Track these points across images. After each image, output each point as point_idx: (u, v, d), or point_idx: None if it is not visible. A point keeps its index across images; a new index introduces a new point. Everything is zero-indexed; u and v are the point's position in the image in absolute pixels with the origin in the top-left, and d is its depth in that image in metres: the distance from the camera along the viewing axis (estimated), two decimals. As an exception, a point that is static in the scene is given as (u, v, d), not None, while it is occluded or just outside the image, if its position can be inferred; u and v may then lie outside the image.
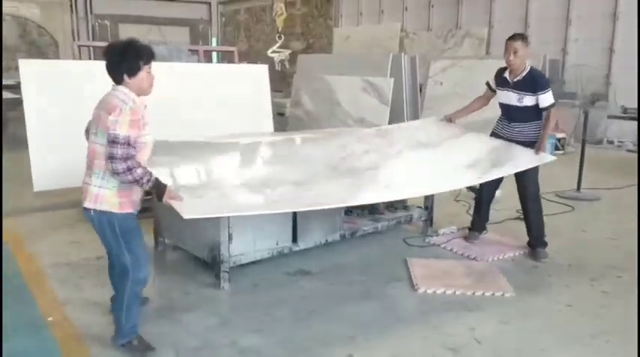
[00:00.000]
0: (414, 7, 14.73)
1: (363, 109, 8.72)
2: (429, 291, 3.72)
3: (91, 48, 14.76)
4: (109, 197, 2.67)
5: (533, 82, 4.16)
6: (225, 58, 18.78)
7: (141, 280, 2.84)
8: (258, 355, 2.92)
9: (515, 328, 3.26)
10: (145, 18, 19.48)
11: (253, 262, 3.93)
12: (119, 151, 2.55)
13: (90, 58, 16.33)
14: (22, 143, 5.29)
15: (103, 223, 2.70)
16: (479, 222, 4.72)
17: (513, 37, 4.21)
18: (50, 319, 3.25)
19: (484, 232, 4.78)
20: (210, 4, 21.52)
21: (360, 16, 16.28)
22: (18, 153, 6.23)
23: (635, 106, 10.37)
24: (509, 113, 4.33)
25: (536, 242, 4.37)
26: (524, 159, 4.16)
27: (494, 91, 4.45)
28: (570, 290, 3.81)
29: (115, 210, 2.68)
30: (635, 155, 9.03)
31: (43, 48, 17.85)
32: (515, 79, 4.22)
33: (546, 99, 4.16)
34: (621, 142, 10.21)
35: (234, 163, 3.74)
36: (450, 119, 4.66)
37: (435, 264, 4.20)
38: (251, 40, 20.02)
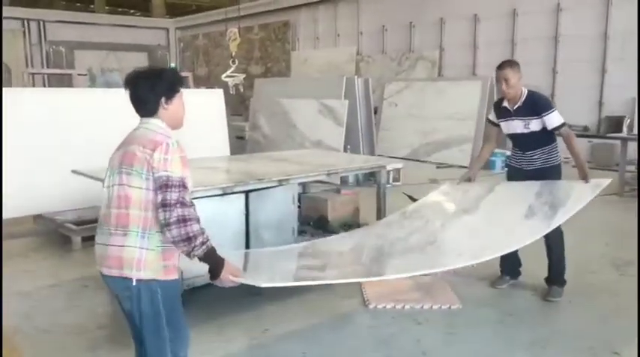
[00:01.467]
0: (368, 31, 15.12)
1: (319, 131, 8.91)
2: (380, 306, 3.83)
3: (45, 76, 14.59)
4: (152, 261, 2.12)
5: (535, 105, 3.89)
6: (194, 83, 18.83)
7: None
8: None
9: (459, 339, 3.40)
10: (101, 44, 19.38)
11: (209, 284, 3.97)
12: (174, 195, 2.04)
13: (44, 86, 16.15)
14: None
15: (145, 294, 2.13)
16: (507, 266, 4.24)
17: (501, 66, 3.88)
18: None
19: (514, 278, 4.29)
20: (168, 29, 21.59)
21: (317, 39, 16.61)
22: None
23: (579, 123, 10.89)
24: (520, 142, 4.06)
25: (554, 278, 4.07)
26: (581, 192, 3.69)
27: (498, 125, 4.13)
28: (512, 300, 3.99)
29: (160, 277, 2.14)
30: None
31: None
32: (515, 107, 3.93)
33: (553, 119, 3.86)
34: (567, 158, 10.64)
35: (281, 258, 3.35)
36: (468, 179, 4.27)
37: (386, 280, 4.31)
38: (210, 64, 20.12)
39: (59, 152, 5.53)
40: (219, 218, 3.84)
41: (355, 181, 8.51)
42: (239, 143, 10.90)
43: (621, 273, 4.53)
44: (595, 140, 10.54)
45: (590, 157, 10.43)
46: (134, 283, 2.10)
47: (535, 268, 4.16)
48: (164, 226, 2.04)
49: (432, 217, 3.96)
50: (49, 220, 5.57)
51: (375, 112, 13.16)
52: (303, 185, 5.83)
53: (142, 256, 2.10)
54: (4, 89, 5.20)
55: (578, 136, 10.63)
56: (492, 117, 4.19)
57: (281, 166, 4.68)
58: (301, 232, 4.79)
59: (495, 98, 10.59)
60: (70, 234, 5.14)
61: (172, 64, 21.28)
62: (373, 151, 9.11)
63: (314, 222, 4.89)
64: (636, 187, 7.52)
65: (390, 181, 8.54)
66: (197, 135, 6.47)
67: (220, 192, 3.83)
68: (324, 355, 3.18)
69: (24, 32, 18.38)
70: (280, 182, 4.16)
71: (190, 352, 3.13)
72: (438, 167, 10.41)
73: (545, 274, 4.10)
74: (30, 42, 18.52)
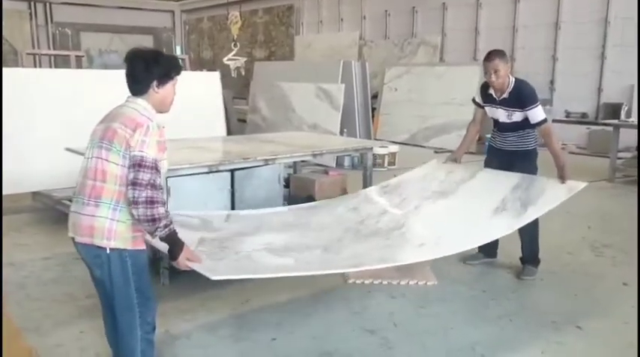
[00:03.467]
0: (371, 16, 15.12)
1: (316, 115, 9.02)
2: (358, 281, 3.98)
3: (52, 57, 14.71)
4: (122, 232, 2.22)
5: (520, 98, 3.91)
6: (192, 66, 18.94)
7: (150, 323, 2.42)
8: (188, 339, 3.13)
9: (430, 312, 3.54)
10: (107, 26, 19.45)
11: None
12: (145, 175, 2.15)
13: (50, 67, 16.31)
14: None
15: (115, 262, 2.25)
16: (484, 244, 4.16)
17: (489, 58, 3.89)
18: (-9, 313, 3.40)
19: (490, 257, 4.40)
20: (173, 12, 21.62)
21: (321, 24, 16.62)
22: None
23: (578, 110, 10.94)
24: (500, 126, 4.14)
25: (527, 258, 4.18)
26: (555, 192, 3.72)
27: (483, 107, 4.20)
28: (487, 278, 4.13)
29: (129, 246, 2.26)
30: (578, 157, 9.58)
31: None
32: (501, 97, 3.98)
33: (536, 115, 3.89)
34: (565, 144, 10.70)
35: (246, 231, 3.45)
36: (454, 159, 4.36)
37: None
38: (215, 48, 20.18)
39: (57, 131, 5.67)
40: (205, 194, 4.00)
41: (351, 164, 8.63)
42: (241, 126, 11.05)
43: (597, 255, 4.65)
44: (593, 127, 10.62)
45: (587, 143, 10.50)
46: (107, 252, 2.22)
47: (512, 248, 4.26)
48: (131, 204, 2.15)
49: (409, 196, 4.06)
50: (46, 196, 5.74)
51: (376, 97, 13.28)
52: (295, 166, 5.97)
53: (113, 227, 2.21)
54: (3, 68, 5.34)
55: (576, 122, 10.86)
56: (478, 99, 4.24)
57: (269, 147, 4.81)
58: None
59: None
60: (67, 210, 5.30)
61: (177, 47, 21.41)
62: (369, 134, 9.22)
63: (301, 201, 5.00)
64: (626, 174, 7.60)
65: (386, 164, 8.68)
66: (192, 116, 6.64)
67: (206, 170, 3.98)
68: (297, 324, 3.33)
69: (30, 14, 18.45)
70: (266, 162, 4.30)
71: (174, 321, 3.33)
72: (436, 152, 10.48)
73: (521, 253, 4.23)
74: (36, 23, 18.61)
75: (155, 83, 2.30)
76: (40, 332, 3.20)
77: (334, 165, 8.37)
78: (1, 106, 5.30)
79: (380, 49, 14.65)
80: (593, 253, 4.67)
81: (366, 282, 3.97)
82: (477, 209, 3.69)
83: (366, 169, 5.15)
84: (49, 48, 18.35)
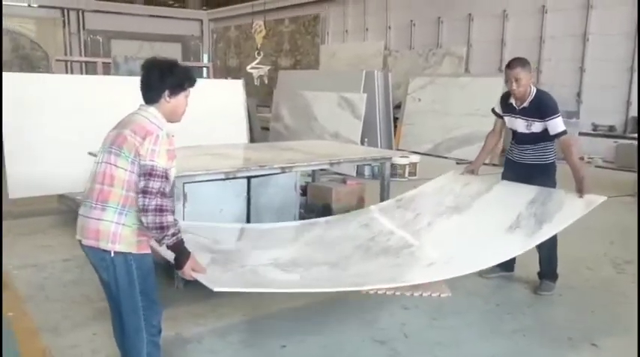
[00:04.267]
0: (397, 26, 15.14)
1: (337, 124, 9.05)
2: (372, 292, 3.95)
3: (83, 64, 15.07)
4: (127, 236, 2.27)
5: (540, 108, 3.84)
6: (216, 74, 19.20)
7: (155, 326, 2.47)
8: (199, 343, 3.16)
9: (443, 324, 3.51)
10: (137, 34, 19.88)
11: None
12: (156, 184, 2.20)
13: (81, 73, 16.71)
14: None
15: (120, 266, 2.30)
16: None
17: (511, 65, 3.84)
18: (10, 314, 3.49)
19: (507, 271, 4.29)
20: (202, 21, 21.98)
21: (346, 33, 16.71)
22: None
23: (605, 123, 10.75)
24: (518, 137, 4.08)
25: (545, 273, 4.10)
26: (572, 207, 3.61)
27: (502, 117, 4.14)
28: (503, 292, 4.07)
29: (133, 250, 2.30)
30: (604, 171, 9.41)
31: (35, 62, 18.17)
32: (521, 106, 3.92)
33: (556, 126, 3.82)
34: (591, 158, 10.53)
35: (255, 245, 3.47)
36: (472, 171, 4.31)
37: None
38: (241, 56, 20.43)
39: (83, 134, 5.80)
40: (221, 201, 4.05)
41: (371, 174, 8.60)
42: (264, 134, 11.14)
43: (619, 271, 4.55)
44: (620, 140, 10.41)
45: (615, 157, 10.28)
46: (111, 255, 2.27)
47: (530, 262, 4.18)
48: (141, 211, 2.20)
49: (423, 211, 4.03)
50: (71, 199, 5.87)
51: (399, 107, 13.25)
52: (313, 175, 5.99)
53: (118, 231, 2.25)
54: (31, 74, 5.49)
55: (603, 135, 10.65)
56: (498, 109, 4.19)
57: (287, 155, 4.85)
58: (305, 219, 4.94)
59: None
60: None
61: (205, 55, 21.72)
62: (391, 144, 9.20)
63: (318, 210, 5.03)
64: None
65: (406, 175, 8.64)
66: (215, 123, 6.74)
67: (223, 176, 4.03)
68: (308, 332, 3.33)
69: (64, 21, 18.99)
70: (283, 169, 4.34)
71: (186, 325, 3.36)
72: (457, 163, 10.39)
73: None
74: (69, 31, 19.13)
75: (167, 93, 2.36)
76: (57, 333, 3.26)
77: (354, 174, 8.36)
78: (0, 107, 5.42)
79: (404, 59, 14.64)
80: (614, 270, 4.58)
81: (380, 292, 3.95)
82: (490, 227, 3.63)
83: (383, 179, 5.15)
84: (80, 55, 18.81)
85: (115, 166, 2.27)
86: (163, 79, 2.35)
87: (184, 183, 3.82)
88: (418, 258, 3.34)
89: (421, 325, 3.49)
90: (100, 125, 6.09)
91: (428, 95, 12.05)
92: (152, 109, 2.37)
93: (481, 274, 4.31)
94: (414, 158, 8.94)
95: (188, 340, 3.21)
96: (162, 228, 2.21)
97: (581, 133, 10.87)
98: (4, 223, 5.55)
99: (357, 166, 8.43)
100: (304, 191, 5.34)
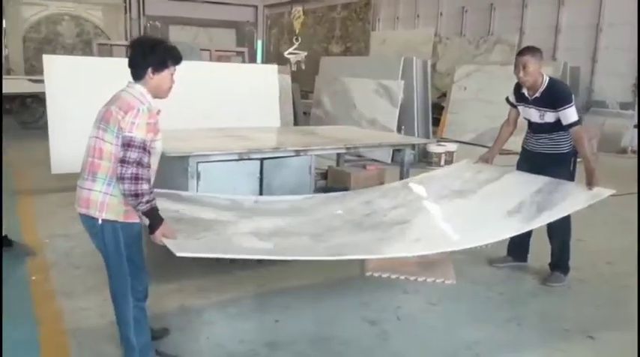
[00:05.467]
0: (448, 13, 14.85)
1: (374, 111, 9.06)
2: (376, 275, 4.03)
3: (124, 47, 15.65)
4: (114, 205, 2.43)
5: (552, 98, 3.79)
6: (269, 59, 19.46)
7: (141, 291, 2.64)
8: (198, 315, 3.34)
9: (438, 309, 3.54)
10: (193, 20, 20.40)
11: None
12: (133, 154, 2.35)
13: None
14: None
15: (107, 233, 2.47)
16: (514, 248, 4.25)
17: (521, 52, 3.85)
18: (33, 278, 3.79)
19: (519, 261, 4.29)
20: (256, 7, 22.26)
21: (397, 20, 16.53)
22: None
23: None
24: (533, 126, 4.04)
25: (556, 264, 4.06)
26: (577, 198, 3.59)
27: (516, 107, 4.10)
28: (510, 281, 4.05)
29: (120, 218, 2.45)
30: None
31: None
32: (533, 96, 3.87)
33: (568, 115, 3.75)
34: (646, 151, 10.05)
35: (246, 214, 3.51)
36: (485, 160, 4.29)
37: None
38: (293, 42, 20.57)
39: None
40: (234, 181, 4.20)
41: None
42: (306, 119, 11.28)
43: None
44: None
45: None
46: (99, 222, 2.45)
47: (545, 253, 4.13)
48: (119, 179, 2.36)
49: (427, 193, 4.06)
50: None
51: (445, 95, 13.05)
52: (337, 159, 6.07)
53: (106, 200, 2.43)
54: (74, 57, 5.82)
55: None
56: (512, 98, 4.15)
57: (306, 139, 4.95)
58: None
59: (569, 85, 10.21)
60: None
61: (259, 41, 22.02)
62: (428, 133, 9.11)
63: (335, 193, 5.10)
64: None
65: (442, 163, 8.56)
66: (247, 107, 6.93)
67: (236, 157, 4.17)
68: (304, 309, 3.46)
69: (125, 7, 19.70)
70: (297, 152, 4.44)
71: (190, 298, 3.54)
72: (500, 153, 10.17)
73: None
74: (130, 17, 19.85)
75: (150, 70, 2.48)
76: (71, 296, 3.52)
77: (389, 161, 8.37)
78: (1, 106, 5.75)
79: (454, 47, 14.37)
80: (635, 266, 4.42)
81: (384, 275, 4.01)
82: (490, 211, 3.61)
83: (403, 166, 5.15)
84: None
85: (103, 140, 2.43)
86: (145, 57, 2.48)
87: (198, 162, 3.99)
88: (407, 234, 3.34)
89: (416, 309, 3.53)
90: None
91: (474, 83, 11.82)
92: (138, 86, 2.50)
93: (492, 263, 4.30)
94: (451, 147, 8.84)
95: (189, 312, 3.39)
96: (136, 195, 2.36)
97: (636, 126, 10.40)
98: (46, 197, 5.97)
99: (393, 153, 8.43)
100: (325, 175, 5.43)
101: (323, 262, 4.03)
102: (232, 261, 3.86)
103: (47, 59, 5.95)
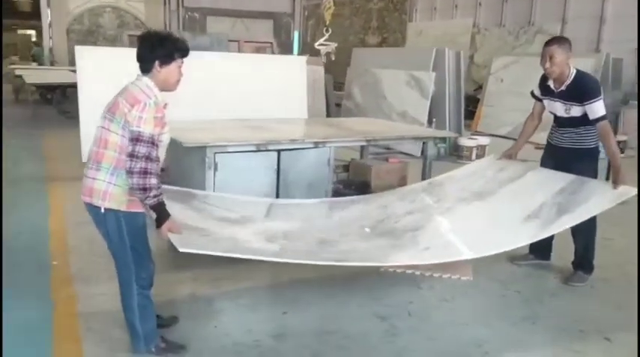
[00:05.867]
0: (487, 2, 14.50)
1: (405, 103, 8.94)
2: (391, 270, 3.98)
3: None
4: (118, 195, 2.48)
5: (579, 91, 3.64)
6: (305, 50, 19.40)
7: (145, 279, 2.67)
8: (208, 304, 3.38)
9: (451, 306, 3.48)
10: (231, 11, 20.55)
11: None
12: (142, 149, 2.39)
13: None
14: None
15: (110, 221, 2.53)
16: (536, 246, 4.02)
17: (549, 42, 3.70)
18: (54, 262, 3.91)
19: (542, 259, 4.17)
20: (294, -3, 22.27)
21: (434, 11, 16.25)
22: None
23: None
24: (559, 121, 3.90)
25: (579, 263, 3.93)
26: (601, 198, 3.44)
27: (542, 101, 3.98)
28: (529, 280, 3.94)
29: (123, 208, 2.50)
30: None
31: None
32: (559, 89, 3.74)
33: (595, 110, 3.60)
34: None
35: (258, 217, 3.48)
36: (509, 156, 4.17)
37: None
38: (330, 34, 20.48)
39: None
40: (251, 172, 4.21)
41: (436, 155, 8.43)
42: (338, 110, 11.24)
43: (669, 268, 4.21)
44: None
45: None
46: (102, 211, 2.51)
47: (569, 252, 4.00)
48: (128, 173, 2.40)
49: (446, 196, 3.95)
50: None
51: (481, 88, 12.76)
52: (361, 151, 6.02)
53: (109, 190, 2.48)
54: (104, 48, 5.93)
55: None
56: (537, 92, 4.02)
57: (327, 131, 4.92)
58: (343, 195, 5.00)
59: (610, 79, 9.81)
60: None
61: (296, 32, 22.01)
62: (460, 126, 8.93)
63: (356, 186, 5.07)
64: None
65: (473, 157, 8.39)
66: (274, 98, 6.92)
67: (254, 148, 4.19)
68: (314, 302, 3.44)
69: (164, 0, 20.03)
70: (316, 144, 4.42)
71: (203, 287, 3.58)
72: (537, 148, 9.89)
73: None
74: (169, 9, 20.16)
75: (158, 63, 2.52)
76: (88, 282, 3.61)
77: (419, 154, 8.25)
78: (1, 106, 5.86)
79: (493, 38, 14.03)
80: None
81: (399, 271, 3.96)
82: (507, 215, 3.49)
83: (425, 159, 5.08)
84: (178, 31, 19.78)
85: (109, 130, 2.48)
86: (153, 51, 2.52)
87: (215, 153, 4.02)
88: (418, 242, 3.27)
89: (428, 305, 3.48)
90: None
91: (510, 75, 11.51)
92: (145, 79, 2.54)
93: (513, 260, 4.19)
94: (483, 140, 8.66)
95: (199, 300, 3.43)
96: (144, 189, 2.40)
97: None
98: (76, 185, 6.11)
99: (423, 146, 8.31)
100: (347, 168, 5.40)
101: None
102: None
103: (79, 50, 6.09)
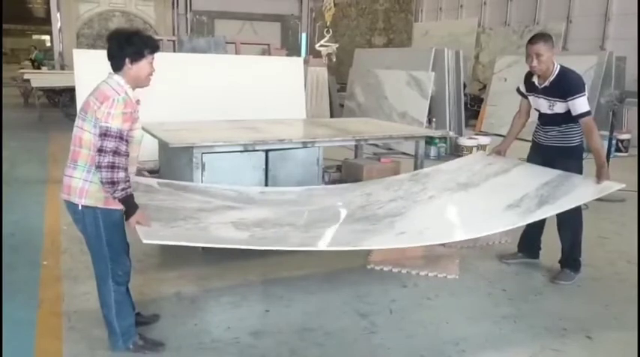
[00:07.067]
0: (492, 2, 14.43)
1: (405, 103, 8.93)
2: (377, 268, 3.98)
3: (174, 42, 16.09)
4: (95, 192, 2.52)
5: (562, 87, 3.64)
6: (312, 52, 19.38)
7: (121, 276, 2.71)
8: (192, 303, 3.41)
9: (434, 304, 3.47)
10: (239, 14, 20.65)
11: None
12: (110, 144, 2.43)
13: (173, 51, 17.74)
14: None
15: (88, 218, 2.57)
16: (525, 244, 4.15)
17: (533, 40, 3.67)
18: (45, 262, 3.97)
19: (530, 257, 4.16)
20: (301, 0, 22.30)
21: (440, 11, 16.21)
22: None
23: None
24: (542, 118, 3.88)
25: (565, 261, 3.90)
26: (584, 191, 3.47)
27: (527, 97, 3.98)
28: (516, 278, 3.92)
29: (100, 205, 2.55)
30: None
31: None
32: (542, 86, 3.73)
33: (579, 105, 3.59)
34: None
35: (237, 205, 3.50)
36: (498, 152, 4.19)
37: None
38: (336, 35, 20.48)
39: (145, 106, 6.28)
40: (239, 172, 4.24)
41: (437, 155, 8.43)
42: (341, 111, 11.25)
43: (661, 267, 4.16)
44: None
45: None
46: (80, 208, 2.56)
47: (558, 250, 3.96)
48: (97, 168, 2.45)
49: (431, 185, 3.98)
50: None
51: (484, 88, 12.69)
52: (355, 151, 6.02)
53: (85, 187, 2.53)
54: (96, 51, 5.99)
55: None
56: (522, 88, 4.01)
57: (317, 131, 4.93)
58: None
59: (613, 77, 9.72)
60: (140, 180, 5.89)
61: (303, 34, 22.07)
62: (461, 126, 8.90)
63: (347, 186, 5.07)
64: None
65: (474, 156, 8.35)
66: (272, 99, 6.96)
67: (241, 148, 4.22)
68: (297, 299, 3.45)
69: (172, 3, 20.18)
70: (305, 144, 4.45)
71: (188, 285, 3.61)
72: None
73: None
74: (177, 12, 20.31)
75: (128, 60, 2.56)
76: (76, 281, 3.66)
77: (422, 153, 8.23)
78: (1, 106, 5.91)
79: (498, 37, 13.94)
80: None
81: (385, 269, 3.97)
82: (490, 204, 3.51)
83: (417, 158, 5.08)
84: (186, 34, 19.92)
85: (82, 129, 2.53)
86: (122, 48, 2.56)
87: (203, 153, 4.05)
88: (394, 227, 3.25)
89: (411, 304, 3.47)
90: (163, 98, 6.58)
91: (514, 75, 11.41)
92: (116, 77, 2.58)
93: (501, 259, 4.18)
94: (484, 140, 8.63)
95: (183, 298, 3.46)
96: (113, 183, 2.45)
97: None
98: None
99: (415, 145, 8.28)
100: (340, 168, 5.41)
101: (325, 253, 4.06)
102: (204, 249, 3.89)
103: (77, 53, 6.17)
